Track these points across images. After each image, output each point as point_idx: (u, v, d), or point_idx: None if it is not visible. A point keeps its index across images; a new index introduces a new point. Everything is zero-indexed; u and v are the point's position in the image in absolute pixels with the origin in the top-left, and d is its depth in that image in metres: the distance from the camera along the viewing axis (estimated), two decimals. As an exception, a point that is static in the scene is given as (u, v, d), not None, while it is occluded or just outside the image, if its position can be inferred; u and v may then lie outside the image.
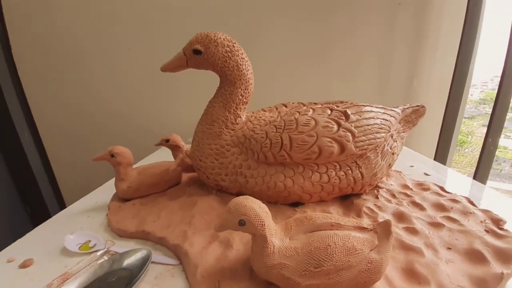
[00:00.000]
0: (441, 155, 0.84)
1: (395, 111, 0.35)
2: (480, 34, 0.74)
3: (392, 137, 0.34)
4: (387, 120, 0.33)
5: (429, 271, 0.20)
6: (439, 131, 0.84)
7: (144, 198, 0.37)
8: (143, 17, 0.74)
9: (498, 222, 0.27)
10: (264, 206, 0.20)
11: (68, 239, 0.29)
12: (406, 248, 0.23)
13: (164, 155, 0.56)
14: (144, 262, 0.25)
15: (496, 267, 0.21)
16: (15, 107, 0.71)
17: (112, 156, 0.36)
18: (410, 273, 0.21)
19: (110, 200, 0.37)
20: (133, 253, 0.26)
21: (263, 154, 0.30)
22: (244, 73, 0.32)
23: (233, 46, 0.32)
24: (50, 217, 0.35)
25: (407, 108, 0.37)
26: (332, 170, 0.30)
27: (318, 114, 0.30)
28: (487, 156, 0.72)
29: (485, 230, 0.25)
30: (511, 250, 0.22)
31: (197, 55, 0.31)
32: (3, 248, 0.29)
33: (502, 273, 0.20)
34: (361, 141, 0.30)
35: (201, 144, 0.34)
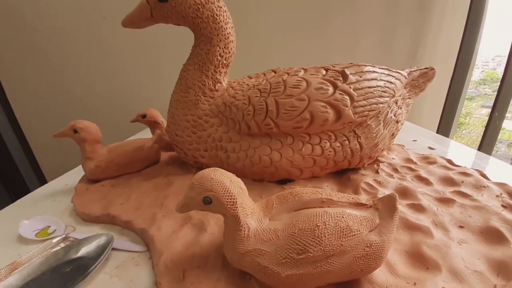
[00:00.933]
0: (443, 133, 0.81)
1: (401, 73, 0.30)
2: (487, 11, 0.68)
3: (396, 103, 0.29)
4: (392, 83, 0.28)
5: (440, 254, 0.17)
6: (442, 106, 0.79)
7: (115, 179, 0.33)
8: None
9: (516, 196, 0.23)
10: (237, 180, 0.16)
11: (23, 225, 0.25)
12: (411, 227, 0.19)
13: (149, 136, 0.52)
14: (102, 249, 0.21)
15: (518, 247, 0.17)
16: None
17: (75, 131, 0.31)
18: (417, 257, 0.17)
19: (78, 181, 0.33)
20: (93, 239, 0.22)
21: (246, 123, 0.25)
22: (221, 26, 0.27)
23: None
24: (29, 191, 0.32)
25: (414, 71, 0.32)
26: (327, 141, 0.25)
27: (311, 75, 0.25)
28: (492, 131, 0.68)
29: (502, 205, 0.22)
30: (535, 227, 0.18)
31: (163, 2, 0.25)
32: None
33: (527, 255, 0.16)
34: (361, 106, 0.25)
35: (176, 116, 0.29)
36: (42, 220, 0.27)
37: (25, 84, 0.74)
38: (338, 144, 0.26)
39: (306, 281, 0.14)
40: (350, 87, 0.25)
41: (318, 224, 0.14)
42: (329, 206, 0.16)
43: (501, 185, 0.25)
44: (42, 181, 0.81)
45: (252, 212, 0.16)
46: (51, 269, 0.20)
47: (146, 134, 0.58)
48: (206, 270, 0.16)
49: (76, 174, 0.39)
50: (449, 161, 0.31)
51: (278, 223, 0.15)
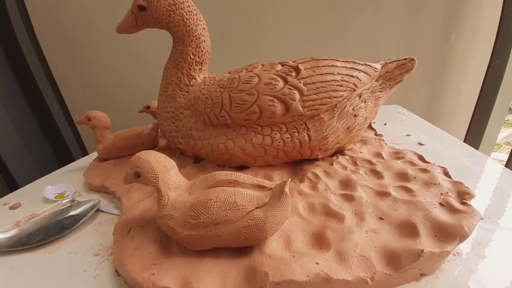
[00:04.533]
0: (475, 133, 0.70)
1: (370, 66, 0.30)
2: None
3: (360, 97, 0.29)
4: (352, 76, 0.28)
5: (337, 238, 0.18)
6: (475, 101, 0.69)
7: (118, 159, 0.40)
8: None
9: (463, 195, 0.22)
10: (164, 160, 0.20)
11: (47, 189, 0.34)
12: (329, 214, 0.21)
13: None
14: (90, 209, 0.28)
15: (423, 243, 0.18)
16: (43, 82, 0.80)
17: (89, 119, 0.39)
18: (318, 238, 0.19)
19: (93, 159, 0.42)
20: (86, 202, 0.29)
21: (207, 115, 0.29)
22: (192, 28, 0.30)
23: None
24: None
25: (390, 63, 0.31)
26: (277, 132, 0.28)
27: (265, 70, 0.27)
28: None
29: (440, 203, 0.21)
30: (455, 227, 0.18)
31: (142, 11, 0.30)
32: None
33: (422, 250, 0.17)
34: (311, 100, 0.27)
35: (160, 108, 0.35)
36: (61, 186, 0.35)
37: (73, 76, 0.89)
38: (288, 136, 0.28)
39: (200, 241, 0.17)
40: (300, 82, 0.26)
41: (211, 198, 0.17)
42: (234, 186, 0.19)
43: (456, 184, 0.24)
44: (85, 153, 0.98)
45: (176, 187, 0.20)
46: (56, 220, 0.28)
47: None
48: (144, 229, 0.21)
49: (96, 154, 0.48)
50: (420, 157, 0.30)
51: (191, 196, 0.19)
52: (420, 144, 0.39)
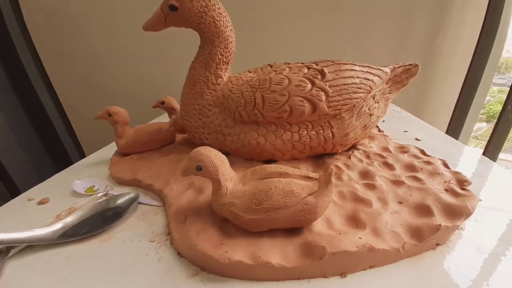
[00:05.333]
0: (456, 126, 0.78)
1: (382, 70, 0.34)
2: None
3: (374, 98, 0.33)
4: (368, 79, 0.32)
5: (370, 219, 0.22)
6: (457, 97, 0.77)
7: (140, 154, 0.41)
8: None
9: (463, 183, 0.27)
10: (221, 155, 0.22)
11: (75, 183, 0.35)
12: (358, 200, 0.25)
13: (168, 119, 0.60)
14: (132, 201, 0.29)
15: (438, 220, 0.22)
16: (34, 74, 0.76)
17: (110, 115, 0.39)
18: (353, 219, 0.23)
19: (113, 155, 0.43)
20: (125, 195, 0.30)
21: (239, 113, 0.31)
22: (221, 30, 0.32)
23: (209, 0, 0.31)
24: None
25: (398, 67, 0.35)
26: (304, 130, 0.31)
27: (293, 73, 0.30)
28: (503, 125, 0.66)
29: (445, 189, 0.26)
30: (461, 207, 0.23)
31: (174, 11, 0.31)
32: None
33: (440, 225, 0.21)
34: (335, 101, 0.30)
35: (186, 105, 0.36)
36: (89, 181, 0.36)
37: (66, 69, 0.86)
38: (314, 133, 0.31)
39: (261, 223, 0.20)
40: (326, 84, 0.30)
41: (271, 187, 0.20)
42: (285, 177, 0.22)
43: (455, 173, 0.29)
44: (81, 153, 0.95)
45: (231, 178, 0.22)
46: (98, 213, 0.29)
47: (165, 118, 0.67)
48: (199, 216, 0.24)
49: (109, 149, 0.49)
50: (422, 151, 0.35)
51: (247, 186, 0.22)
52: (416, 139, 0.44)
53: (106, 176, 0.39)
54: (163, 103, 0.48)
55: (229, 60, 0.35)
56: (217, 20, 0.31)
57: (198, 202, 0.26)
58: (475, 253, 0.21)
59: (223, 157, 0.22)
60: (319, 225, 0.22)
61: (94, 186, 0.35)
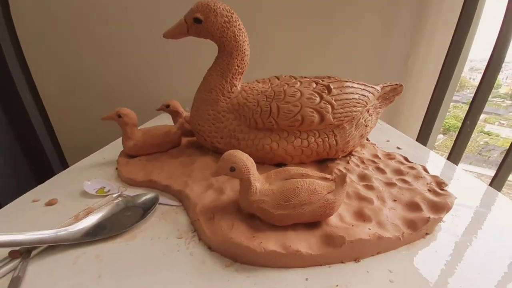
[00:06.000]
0: (423, 136, 0.89)
1: (375, 88, 0.39)
2: (480, 18, 0.74)
3: (368, 111, 0.39)
4: (365, 96, 0.37)
5: (374, 213, 0.27)
6: (425, 111, 0.88)
7: (148, 155, 0.42)
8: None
9: (441, 184, 0.33)
10: (250, 158, 0.25)
11: (86, 184, 0.34)
12: (361, 198, 0.29)
13: (162, 122, 0.60)
14: (154, 201, 0.30)
15: (427, 214, 0.27)
16: (15, 69, 0.71)
17: (119, 116, 0.40)
18: (359, 214, 0.27)
19: (118, 156, 0.42)
20: (144, 195, 0.31)
21: (254, 120, 0.34)
22: (241, 44, 0.35)
23: (231, 16, 0.34)
24: (54, 174, 0.40)
25: (386, 86, 0.41)
26: (312, 137, 0.35)
27: (304, 87, 0.34)
28: (463, 138, 0.77)
29: (428, 189, 0.32)
30: (443, 204, 0.28)
31: (197, 24, 0.33)
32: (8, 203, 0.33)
33: (429, 217, 0.26)
34: (339, 113, 0.34)
35: (200, 110, 0.38)
36: (98, 182, 0.36)
37: (49, 66, 0.81)
38: (320, 140, 0.35)
39: (288, 218, 0.23)
40: (332, 98, 0.34)
41: (297, 186, 0.23)
42: (306, 178, 0.25)
43: (434, 177, 0.35)
44: (61, 155, 0.89)
45: (258, 179, 0.25)
46: (117, 213, 0.30)
47: (157, 121, 0.67)
48: (226, 213, 0.26)
49: (106, 152, 0.48)
50: (405, 158, 0.41)
51: (273, 186, 0.25)
52: (398, 148, 0.51)
53: (113, 177, 0.39)
54: (168, 106, 0.50)
55: (243, 71, 0.38)
56: (237, 35, 0.34)
57: (221, 201, 0.28)
58: (453, 240, 0.26)
59: (251, 159, 0.25)
60: (334, 220, 0.25)
61: (104, 187, 0.35)
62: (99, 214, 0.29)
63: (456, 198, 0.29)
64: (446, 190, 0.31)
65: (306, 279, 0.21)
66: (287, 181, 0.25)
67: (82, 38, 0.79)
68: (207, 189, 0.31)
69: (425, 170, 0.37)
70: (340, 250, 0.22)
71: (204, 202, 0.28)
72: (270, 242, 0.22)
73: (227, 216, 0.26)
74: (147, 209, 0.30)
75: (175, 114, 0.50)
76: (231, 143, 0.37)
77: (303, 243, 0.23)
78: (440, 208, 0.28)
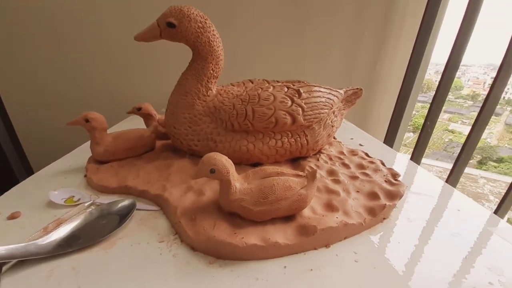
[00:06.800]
0: (391, 135, 0.97)
1: (338, 92, 0.43)
2: (440, 27, 0.80)
3: (334, 113, 0.43)
4: (330, 99, 0.41)
5: (340, 204, 0.30)
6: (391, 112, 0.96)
7: (121, 161, 0.40)
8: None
9: (395, 175, 0.38)
10: (229, 160, 0.26)
11: (52, 194, 0.32)
12: (329, 191, 0.33)
13: (131, 125, 0.58)
14: (131, 207, 0.30)
15: (384, 201, 0.31)
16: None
17: (87, 121, 0.38)
18: (329, 205, 0.30)
19: (86, 163, 0.40)
20: (120, 202, 0.31)
21: (231, 122, 0.36)
22: (215, 49, 0.36)
23: (205, 22, 0.35)
24: (18, 182, 0.37)
25: (349, 90, 0.46)
26: (285, 138, 0.37)
27: (277, 91, 0.37)
28: (424, 137, 0.86)
29: (385, 180, 0.36)
30: (396, 192, 0.33)
31: (171, 28, 0.34)
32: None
33: (385, 204, 0.31)
34: (309, 115, 0.38)
35: (175, 113, 0.38)
36: (66, 191, 0.34)
37: (11, 68, 0.72)
38: (293, 140, 0.38)
39: (267, 213, 0.25)
40: (302, 102, 0.37)
41: (274, 184, 0.26)
42: (281, 176, 0.28)
43: (389, 169, 0.40)
44: (25, 162, 0.79)
45: (237, 179, 0.27)
46: (91, 222, 0.28)
47: (127, 124, 0.64)
48: (207, 213, 0.27)
49: (70, 158, 0.45)
50: (366, 154, 0.46)
51: (252, 184, 0.26)
52: (360, 145, 0.57)
53: (82, 185, 0.37)
54: (140, 109, 0.48)
55: (218, 75, 0.39)
56: (212, 41, 0.35)
57: (202, 202, 0.29)
58: (406, 222, 0.31)
59: (230, 161, 0.27)
60: (306, 212, 0.28)
61: (73, 196, 0.33)
62: (71, 225, 0.27)
63: (406, 186, 0.34)
64: (399, 180, 0.36)
65: (285, 266, 0.24)
66: (264, 180, 0.27)
67: (46, 38, 0.72)
68: (187, 192, 0.32)
69: (383, 163, 0.42)
70: (313, 238, 0.25)
71: (185, 205, 0.29)
72: (251, 237, 0.24)
73: (209, 216, 0.27)
74: (124, 215, 0.29)
75: (147, 117, 0.49)
76: (208, 146, 0.38)
77: (280, 235, 0.25)
78: (394, 195, 0.32)
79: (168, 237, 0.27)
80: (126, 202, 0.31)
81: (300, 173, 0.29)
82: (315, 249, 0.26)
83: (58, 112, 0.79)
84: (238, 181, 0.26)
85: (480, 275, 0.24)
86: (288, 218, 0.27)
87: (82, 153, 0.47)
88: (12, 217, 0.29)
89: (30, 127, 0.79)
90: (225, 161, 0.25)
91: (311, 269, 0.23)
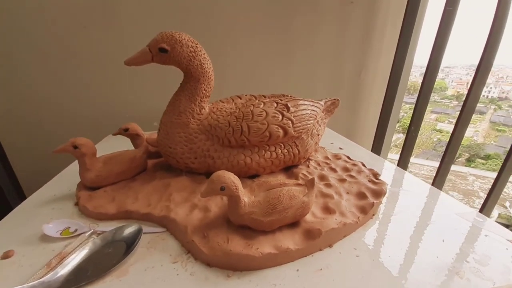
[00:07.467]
0: (379, 137, 1.01)
1: (319, 103, 0.48)
2: (421, 28, 0.83)
3: (318, 122, 0.47)
4: (314, 110, 0.45)
5: (336, 206, 0.33)
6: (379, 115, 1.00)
7: (114, 185, 0.39)
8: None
9: (376, 175, 0.43)
10: (236, 177, 0.28)
11: (46, 227, 0.31)
12: (324, 195, 0.36)
13: (114, 143, 0.56)
14: (137, 232, 0.30)
15: (371, 200, 0.36)
16: None
17: (75, 147, 0.36)
18: (326, 208, 0.33)
19: (76, 190, 0.38)
20: (125, 228, 0.30)
21: (227, 139, 0.38)
22: (207, 70, 0.38)
23: (196, 46, 0.37)
24: (12, 209, 0.34)
25: (328, 101, 0.51)
26: (279, 149, 0.40)
27: (268, 107, 0.40)
28: (410, 140, 0.90)
29: (368, 180, 0.41)
30: (380, 190, 0.38)
31: (163, 53, 0.35)
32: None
33: (373, 202, 0.35)
34: (298, 126, 0.41)
35: (170, 133, 0.39)
36: (60, 222, 0.32)
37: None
38: (286, 151, 0.41)
39: (275, 222, 0.28)
40: (291, 115, 0.40)
41: (280, 194, 0.28)
42: (284, 186, 0.30)
43: (370, 170, 0.45)
44: (17, 187, 0.70)
45: (245, 193, 0.29)
46: (96, 252, 0.28)
47: (109, 142, 0.62)
48: (218, 229, 0.28)
49: (54, 186, 0.43)
50: (348, 157, 0.51)
51: (259, 197, 0.29)
52: (340, 148, 0.62)
53: (74, 214, 0.35)
54: (127, 130, 0.47)
55: (209, 94, 0.41)
56: (203, 63, 0.37)
57: (210, 218, 0.30)
58: (391, 216, 0.36)
59: (237, 178, 0.29)
60: (309, 217, 0.31)
61: (69, 227, 0.32)
62: (76, 257, 0.27)
63: (388, 184, 0.39)
64: (380, 179, 0.41)
65: (297, 270, 0.26)
66: (270, 191, 0.29)
67: (34, 57, 0.66)
68: (192, 210, 0.32)
69: (363, 165, 0.47)
70: (318, 240, 0.28)
71: (193, 223, 0.30)
72: (265, 246, 0.26)
73: (220, 232, 0.28)
74: (131, 241, 0.29)
75: (135, 138, 0.48)
76: (206, 162, 0.39)
77: (290, 241, 0.27)
78: (379, 193, 0.37)
79: (181, 256, 0.28)
80: (132, 227, 0.30)
81: (300, 182, 0.31)
82: (321, 250, 0.29)
83: (43, 141, 0.72)
84: (245, 196, 0.28)
85: (458, 254, 0.29)
86: (293, 224, 0.30)
87: (66, 179, 0.44)
88: (6, 256, 0.27)
89: (21, 149, 0.71)
90: (233, 178, 0.27)
91: (321, 269, 0.26)
